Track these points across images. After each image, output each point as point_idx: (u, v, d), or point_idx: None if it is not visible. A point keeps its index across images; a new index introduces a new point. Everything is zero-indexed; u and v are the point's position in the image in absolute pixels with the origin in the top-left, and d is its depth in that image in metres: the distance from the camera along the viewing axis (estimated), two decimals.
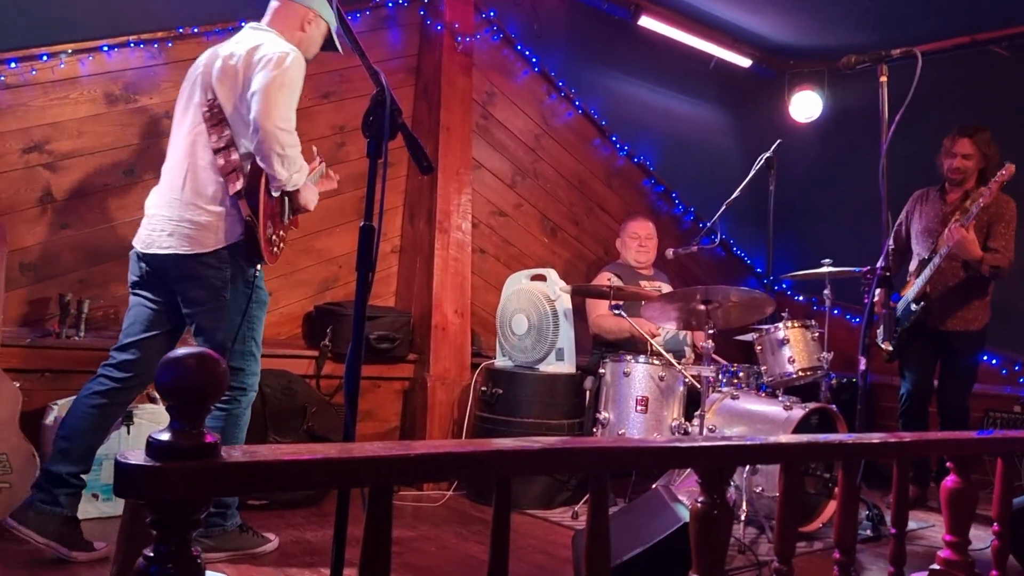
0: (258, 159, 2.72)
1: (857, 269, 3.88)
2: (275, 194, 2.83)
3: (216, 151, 2.76)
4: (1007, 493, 2.30)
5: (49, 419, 3.24)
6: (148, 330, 2.87)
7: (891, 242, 4.47)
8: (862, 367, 2.68)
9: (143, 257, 2.83)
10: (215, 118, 2.78)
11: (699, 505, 1.58)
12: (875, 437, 2.06)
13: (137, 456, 1.04)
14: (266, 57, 2.72)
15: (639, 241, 4.80)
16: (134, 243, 2.86)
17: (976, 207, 3.96)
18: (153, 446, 1.05)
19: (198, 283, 2.73)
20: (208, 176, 2.76)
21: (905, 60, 2.88)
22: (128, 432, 3.29)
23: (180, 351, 1.12)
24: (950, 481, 2.22)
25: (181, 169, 2.79)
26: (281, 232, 2.88)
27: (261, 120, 2.65)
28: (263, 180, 2.75)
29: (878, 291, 4.37)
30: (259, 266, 2.81)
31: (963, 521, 2.23)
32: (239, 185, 2.72)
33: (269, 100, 2.65)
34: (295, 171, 2.77)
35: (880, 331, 4.26)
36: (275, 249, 2.84)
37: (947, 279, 4.20)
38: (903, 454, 2.07)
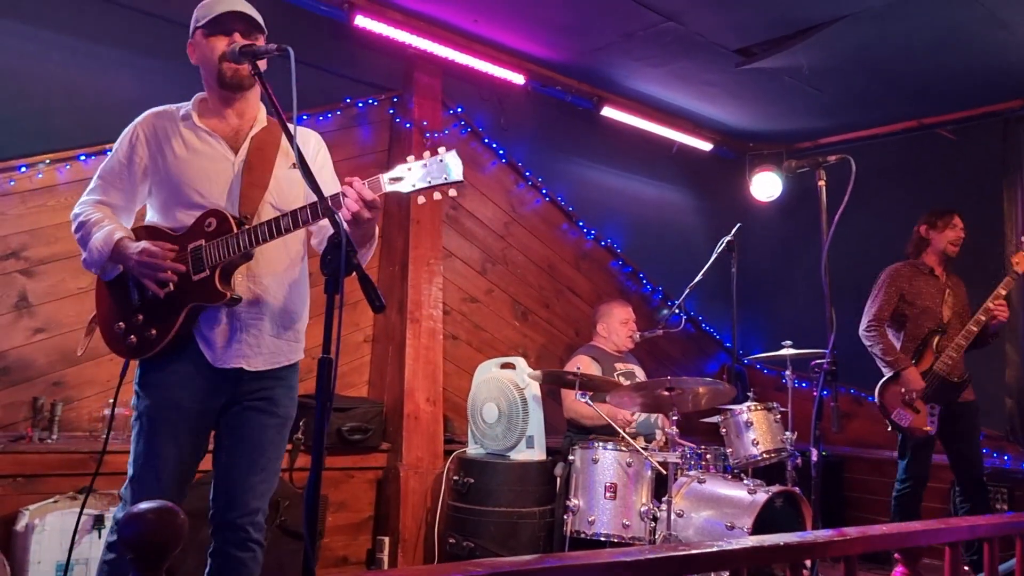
0: None
1: (823, 351, 3.87)
2: None
3: None
4: None
5: (20, 525, 3.25)
6: None
7: (877, 319, 4.35)
8: (815, 458, 2.78)
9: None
10: None
11: None
12: (822, 535, 2.14)
13: None
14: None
15: (629, 326, 4.89)
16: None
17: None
18: None
19: None
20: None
21: (842, 161, 3.06)
22: (100, 536, 3.30)
23: (143, 505, 1.20)
24: (898, 573, 2.30)
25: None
26: None
27: None
28: None
29: (912, 374, 4.27)
30: None
31: None
32: None
33: None
34: None
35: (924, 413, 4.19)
36: None
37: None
38: (848, 552, 2.15)
